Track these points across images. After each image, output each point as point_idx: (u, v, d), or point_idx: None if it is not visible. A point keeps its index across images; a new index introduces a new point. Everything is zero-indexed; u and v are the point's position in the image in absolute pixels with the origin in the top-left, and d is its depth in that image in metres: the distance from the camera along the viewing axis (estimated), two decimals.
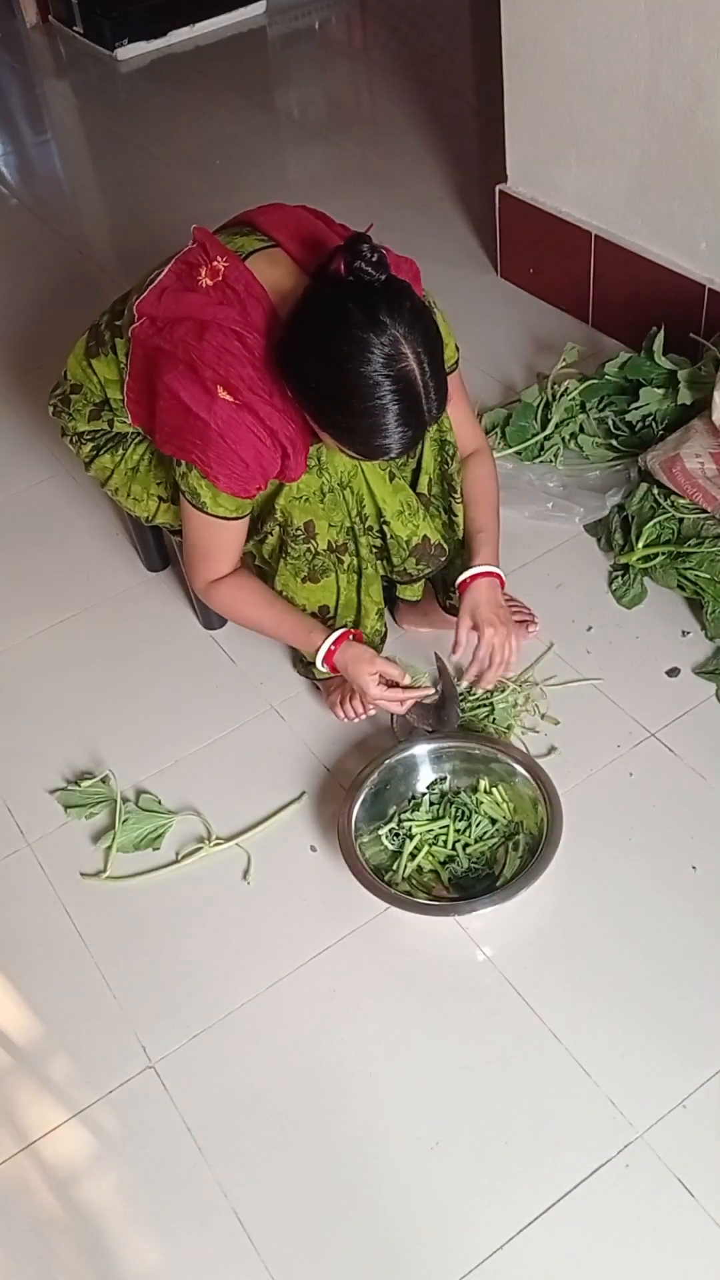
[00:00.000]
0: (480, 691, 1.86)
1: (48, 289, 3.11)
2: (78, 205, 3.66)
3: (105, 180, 3.75)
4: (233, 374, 1.55)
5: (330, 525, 1.74)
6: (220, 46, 4.29)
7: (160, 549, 2.24)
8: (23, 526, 2.42)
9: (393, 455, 1.52)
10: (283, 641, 1.94)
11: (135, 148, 3.76)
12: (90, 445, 1.89)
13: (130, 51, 4.26)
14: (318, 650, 1.74)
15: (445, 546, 1.86)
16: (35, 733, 2.02)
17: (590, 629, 2.04)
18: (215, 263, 1.59)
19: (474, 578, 1.79)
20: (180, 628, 2.16)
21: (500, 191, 2.74)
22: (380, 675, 1.74)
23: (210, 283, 1.59)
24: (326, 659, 1.74)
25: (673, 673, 1.96)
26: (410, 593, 1.97)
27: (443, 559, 1.87)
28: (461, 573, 1.81)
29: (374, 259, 1.44)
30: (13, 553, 2.37)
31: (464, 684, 1.86)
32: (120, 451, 1.87)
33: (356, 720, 1.93)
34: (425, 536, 1.82)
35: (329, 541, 1.75)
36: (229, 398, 1.55)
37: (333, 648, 1.74)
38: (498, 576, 1.81)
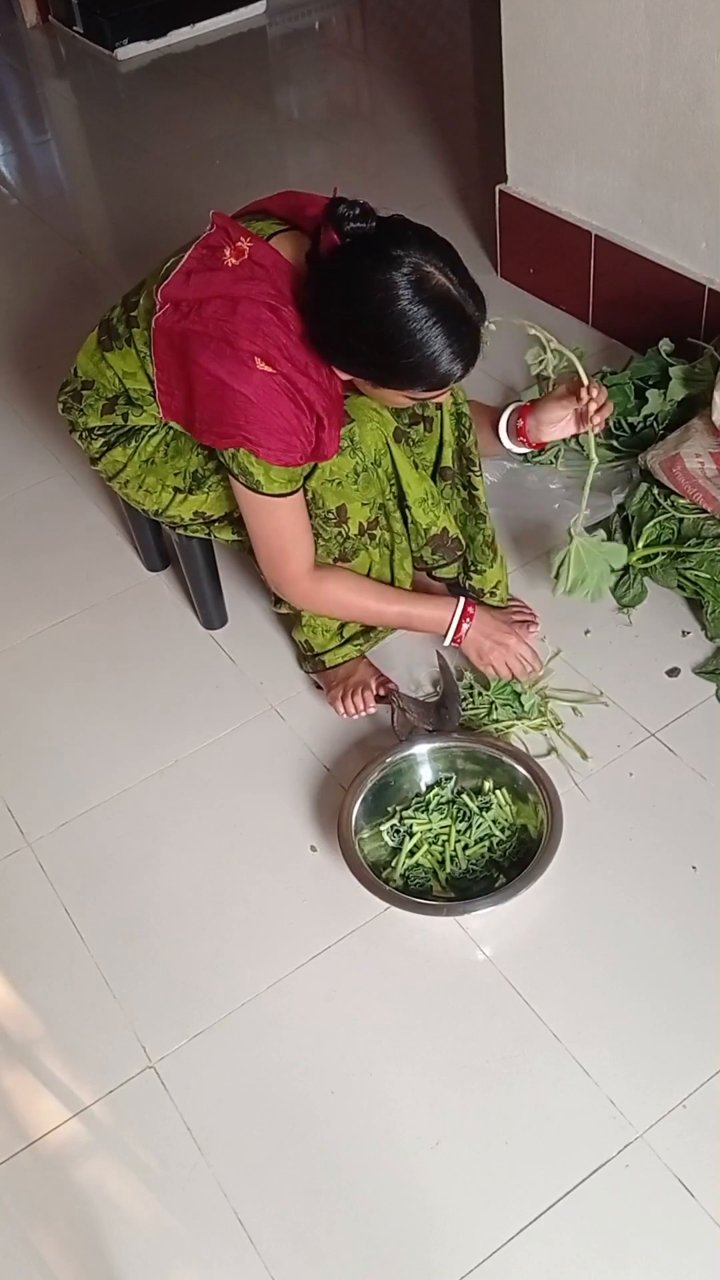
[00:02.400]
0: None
1: (48, 289, 3.11)
2: (78, 205, 3.66)
3: (105, 180, 3.75)
4: (270, 344, 1.55)
5: (364, 504, 1.74)
6: (220, 46, 4.29)
7: (160, 549, 2.24)
8: (23, 526, 2.42)
9: (459, 375, 1.55)
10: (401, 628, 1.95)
11: (135, 148, 3.76)
12: (101, 441, 1.87)
13: (130, 51, 4.26)
14: (447, 627, 1.85)
15: (461, 541, 1.87)
16: (35, 733, 2.02)
17: (590, 630, 2.04)
18: (239, 243, 1.59)
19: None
20: (180, 628, 2.16)
21: (500, 191, 2.74)
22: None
23: (236, 261, 1.58)
24: (455, 638, 1.86)
25: (673, 673, 1.96)
26: (447, 571, 1.97)
27: (459, 553, 1.88)
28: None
29: (356, 212, 1.48)
30: (13, 552, 2.37)
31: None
32: (133, 444, 1.84)
33: (357, 717, 1.93)
34: (444, 529, 1.83)
35: (360, 523, 1.75)
36: (267, 368, 1.55)
37: (467, 612, 1.86)
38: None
